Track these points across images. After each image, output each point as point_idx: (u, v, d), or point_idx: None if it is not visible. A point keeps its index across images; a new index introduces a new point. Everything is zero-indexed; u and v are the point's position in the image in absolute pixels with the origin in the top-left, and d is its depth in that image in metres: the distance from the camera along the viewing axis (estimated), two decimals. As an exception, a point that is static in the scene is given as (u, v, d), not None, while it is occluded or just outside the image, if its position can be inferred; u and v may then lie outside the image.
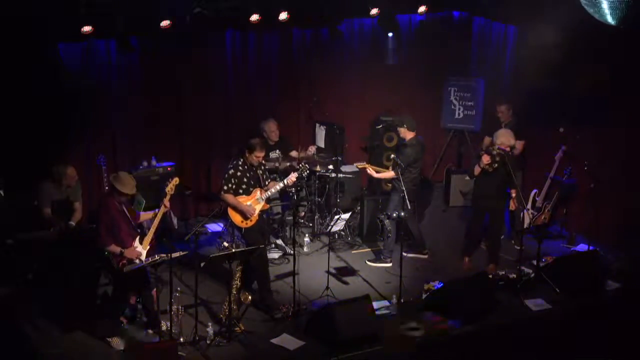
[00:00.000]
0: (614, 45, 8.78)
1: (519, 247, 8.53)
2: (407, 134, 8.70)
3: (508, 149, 8.31)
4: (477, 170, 8.45)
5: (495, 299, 7.83)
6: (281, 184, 8.00)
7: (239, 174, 7.79)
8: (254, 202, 7.81)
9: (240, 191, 7.78)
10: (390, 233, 8.16)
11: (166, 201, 7.14)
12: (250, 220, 7.78)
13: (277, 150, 9.59)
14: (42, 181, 8.00)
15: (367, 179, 10.28)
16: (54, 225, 7.89)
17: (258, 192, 7.84)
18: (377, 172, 8.82)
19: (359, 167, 9.11)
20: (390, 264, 8.75)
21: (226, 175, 7.79)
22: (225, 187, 7.74)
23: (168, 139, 9.84)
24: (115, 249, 6.87)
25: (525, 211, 8.93)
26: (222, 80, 10.10)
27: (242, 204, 7.74)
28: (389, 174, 8.73)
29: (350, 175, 9.94)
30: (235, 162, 7.87)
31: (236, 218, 7.78)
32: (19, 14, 7.57)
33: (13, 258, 7.60)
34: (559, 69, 9.23)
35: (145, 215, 7.44)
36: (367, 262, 8.90)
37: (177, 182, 7.23)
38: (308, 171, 8.34)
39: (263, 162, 8.03)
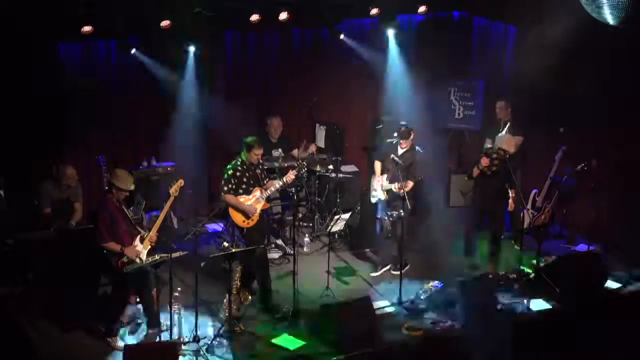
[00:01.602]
0: (614, 45, 8.78)
1: (519, 247, 8.52)
2: (410, 142, 8.57)
3: (507, 155, 8.30)
4: (475, 172, 8.46)
5: (495, 299, 7.83)
6: (280, 183, 7.98)
7: (238, 174, 7.77)
8: (255, 202, 7.80)
9: (240, 191, 7.77)
10: (390, 233, 8.14)
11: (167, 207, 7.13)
12: (252, 220, 7.77)
13: (280, 149, 9.59)
14: (42, 181, 8.00)
15: (367, 179, 10.26)
16: (53, 225, 7.88)
17: (258, 192, 7.83)
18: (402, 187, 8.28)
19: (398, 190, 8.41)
20: (407, 266, 8.64)
21: (225, 176, 7.76)
22: (225, 188, 7.72)
23: (168, 139, 9.83)
24: (115, 246, 6.86)
25: (525, 211, 8.93)
26: (222, 80, 10.10)
27: (244, 204, 7.73)
28: (409, 184, 8.27)
29: (350, 175, 9.94)
30: (233, 162, 7.85)
31: (237, 218, 7.77)
32: (19, 14, 7.58)
33: (13, 258, 7.59)
34: (559, 69, 9.23)
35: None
36: (392, 272, 8.62)
37: (182, 185, 7.21)
38: (305, 169, 8.32)
39: (261, 161, 8.03)
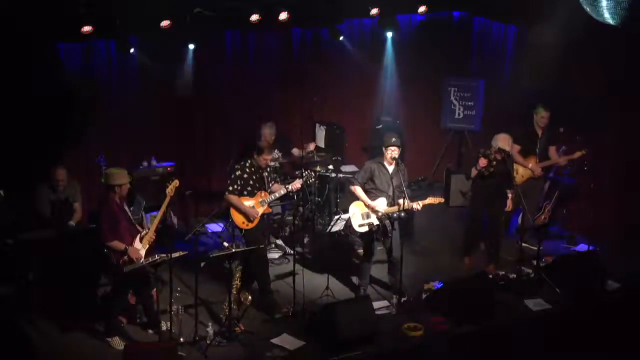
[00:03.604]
0: (614, 45, 8.78)
1: (533, 246, 8.54)
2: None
3: (503, 154, 8.29)
4: (473, 172, 8.45)
5: (495, 299, 7.83)
6: (284, 190, 7.95)
7: (245, 175, 7.77)
8: (257, 205, 7.80)
9: (245, 193, 7.77)
10: (391, 233, 8.10)
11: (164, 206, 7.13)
12: (252, 223, 7.77)
13: (276, 150, 9.58)
14: (39, 183, 8.00)
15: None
16: (52, 225, 7.88)
17: (262, 195, 7.83)
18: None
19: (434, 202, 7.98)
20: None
21: (232, 176, 7.76)
22: (231, 188, 7.72)
23: (168, 139, 9.83)
24: (119, 245, 6.85)
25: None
26: (221, 80, 10.10)
27: (246, 206, 7.72)
28: (433, 200, 7.92)
29: (350, 175, 9.92)
30: (242, 163, 7.83)
31: (238, 219, 7.77)
32: (20, 14, 7.58)
33: (13, 258, 7.59)
34: (559, 69, 9.23)
35: None
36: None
37: (177, 185, 7.21)
38: (313, 179, 8.29)
39: (270, 163, 8.02)
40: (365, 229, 7.89)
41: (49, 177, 7.99)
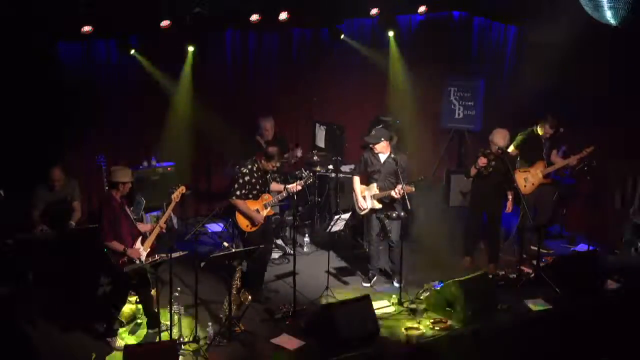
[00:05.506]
0: (614, 45, 8.78)
1: (535, 247, 8.53)
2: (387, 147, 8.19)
3: (500, 151, 8.29)
4: (472, 171, 8.46)
5: (495, 299, 7.83)
6: (285, 193, 7.95)
7: (253, 180, 7.79)
8: (261, 208, 7.84)
9: (250, 196, 7.80)
10: (391, 233, 8.13)
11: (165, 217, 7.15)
12: (256, 226, 7.80)
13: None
14: (36, 184, 8.00)
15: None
16: (38, 228, 7.85)
17: (265, 198, 7.84)
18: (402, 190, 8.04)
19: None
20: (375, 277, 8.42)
21: (240, 181, 7.75)
22: (238, 193, 7.73)
23: (168, 139, 9.82)
24: (118, 246, 6.85)
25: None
26: (222, 80, 10.10)
27: (252, 211, 7.76)
28: (411, 189, 8.05)
29: (350, 175, 9.93)
30: (250, 167, 7.81)
31: (243, 222, 7.79)
32: (19, 14, 7.58)
33: (13, 258, 7.59)
34: (559, 69, 9.22)
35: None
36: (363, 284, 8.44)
37: (184, 191, 7.20)
38: (311, 180, 8.30)
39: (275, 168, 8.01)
40: (365, 212, 8.31)
41: (46, 177, 7.98)
